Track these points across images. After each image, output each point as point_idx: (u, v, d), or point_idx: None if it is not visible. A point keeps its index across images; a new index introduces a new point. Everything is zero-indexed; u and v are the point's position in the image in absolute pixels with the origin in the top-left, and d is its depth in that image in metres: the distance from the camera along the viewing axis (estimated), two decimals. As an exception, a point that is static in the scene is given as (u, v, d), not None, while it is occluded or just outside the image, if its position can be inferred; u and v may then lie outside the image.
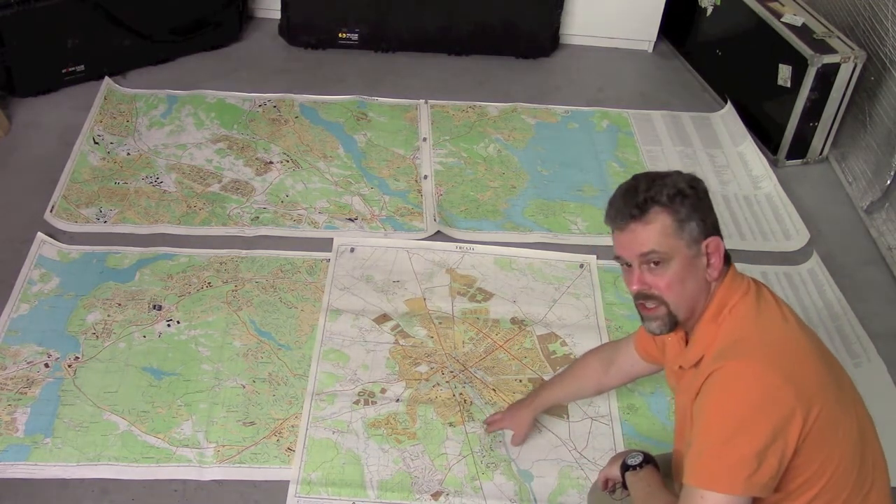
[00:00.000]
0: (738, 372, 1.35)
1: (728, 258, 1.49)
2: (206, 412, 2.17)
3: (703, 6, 3.60)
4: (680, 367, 1.53)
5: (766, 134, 3.30)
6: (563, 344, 2.44)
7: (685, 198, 1.42)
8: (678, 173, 1.49)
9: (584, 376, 1.97)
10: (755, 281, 1.50)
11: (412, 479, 2.07)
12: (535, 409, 2.06)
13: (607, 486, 1.69)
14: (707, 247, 1.44)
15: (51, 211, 2.72)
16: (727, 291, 1.45)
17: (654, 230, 1.42)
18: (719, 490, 1.30)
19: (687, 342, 1.54)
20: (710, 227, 1.46)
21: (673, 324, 1.48)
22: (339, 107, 3.31)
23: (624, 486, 1.61)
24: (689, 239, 1.43)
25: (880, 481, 1.46)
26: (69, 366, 2.25)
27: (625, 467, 1.61)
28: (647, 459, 1.60)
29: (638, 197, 1.44)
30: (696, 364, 1.46)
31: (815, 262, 2.79)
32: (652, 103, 3.52)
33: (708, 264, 1.45)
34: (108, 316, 2.39)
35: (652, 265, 1.44)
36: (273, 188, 2.89)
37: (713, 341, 1.43)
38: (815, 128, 3.17)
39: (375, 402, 2.23)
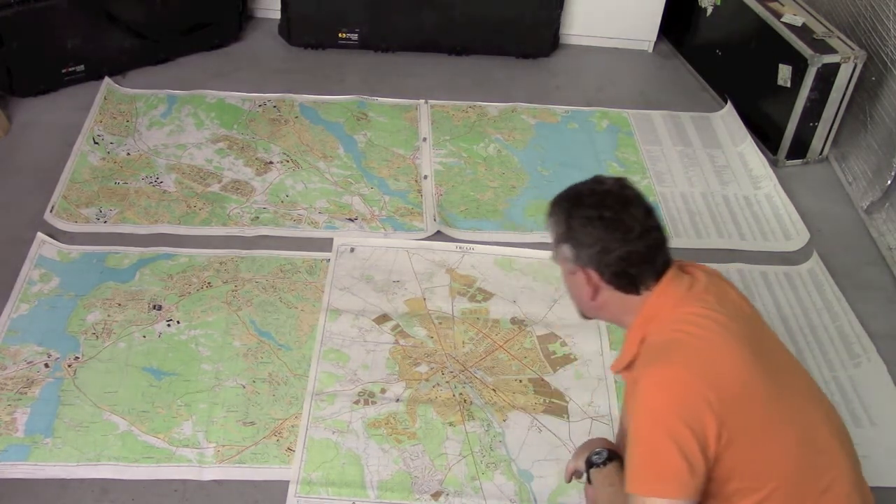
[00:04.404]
0: (658, 377, 1.37)
1: (665, 264, 1.48)
2: (206, 412, 2.17)
3: (703, 6, 3.60)
4: (616, 371, 1.56)
5: (765, 134, 3.30)
6: (563, 344, 2.44)
7: (566, 221, 1.48)
8: (600, 193, 1.49)
9: None
10: (699, 281, 1.49)
11: (412, 479, 2.07)
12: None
13: (577, 476, 1.70)
14: (583, 272, 1.48)
15: (51, 211, 2.72)
16: (658, 300, 1.46)
17: (551, 240, 1.55)
18: (659, 495, 1.31)
19: None
20: (586, 257, 1.47)
21: (583, 314, 1.60)
22: (339, 107, 3.31)
23: (589, 481, 1.63)
24: (563, 258, 1.51)
25: (841, 481, 1.43)
26: (69, 366, 2.25)
27: (589, 464, 1.63)
28: (611, 457, 1.61)
29: (548, 210, 1.56)
30: (628, 367, 1.49)
31: (815, 262, 2.79)
32: (652, 103, 3.52)
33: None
34: (108, 316, 2.39)
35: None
36: (273, 188, 2.89)
37: (640, 349, 1.46)
38: (815, 128, 3.16)
39: (375, 402, 2.23)
